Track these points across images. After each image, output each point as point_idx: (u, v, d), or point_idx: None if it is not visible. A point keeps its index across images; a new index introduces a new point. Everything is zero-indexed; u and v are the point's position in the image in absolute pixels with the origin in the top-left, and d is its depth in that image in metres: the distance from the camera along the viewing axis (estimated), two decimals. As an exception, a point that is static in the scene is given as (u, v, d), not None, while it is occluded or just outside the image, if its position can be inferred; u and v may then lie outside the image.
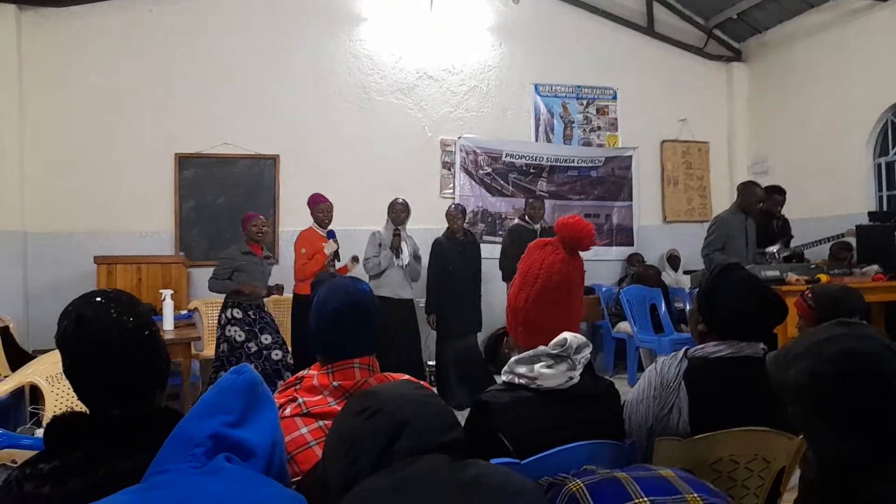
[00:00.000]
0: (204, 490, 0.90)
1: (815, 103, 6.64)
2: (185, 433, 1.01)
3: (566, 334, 1.52)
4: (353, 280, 1.54)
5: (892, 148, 6.13)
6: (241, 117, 6.14)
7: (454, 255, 5.20)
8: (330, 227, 4.93)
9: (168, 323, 4.38)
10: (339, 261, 4.90)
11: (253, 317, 4.53)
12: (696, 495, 1.14)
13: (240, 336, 4.44)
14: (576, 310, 1.66)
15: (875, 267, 4.21)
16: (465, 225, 5.52)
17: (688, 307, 5.92)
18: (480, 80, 6.85)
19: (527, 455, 1.39)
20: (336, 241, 4.83)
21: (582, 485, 1.19)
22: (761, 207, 4.98)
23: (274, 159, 6.20)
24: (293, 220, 5.88)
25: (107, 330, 1.13)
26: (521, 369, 1.52)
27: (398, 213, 5.08)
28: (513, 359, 1.56)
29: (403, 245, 5.06)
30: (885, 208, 5.91)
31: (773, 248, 5.09)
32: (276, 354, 4.51)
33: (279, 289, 4.68)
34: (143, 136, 5.92)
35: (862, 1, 6.00)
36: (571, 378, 1.51)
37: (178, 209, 5.97)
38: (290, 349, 4.66)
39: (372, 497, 0.98)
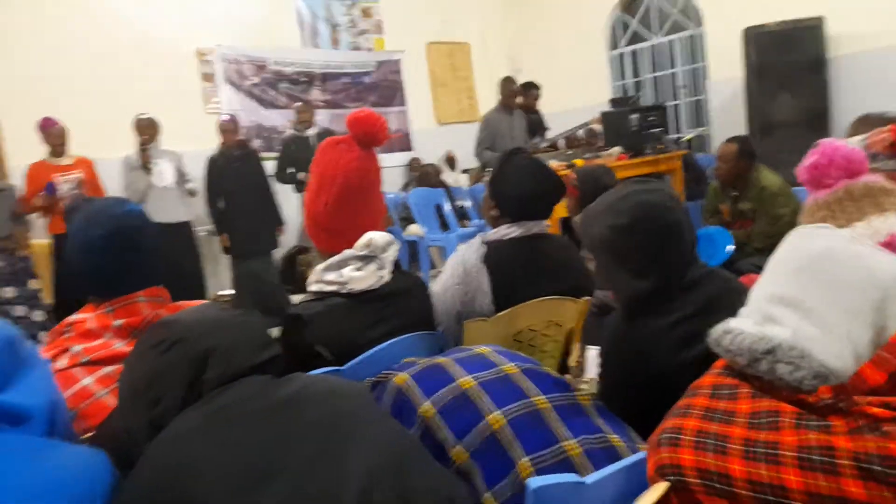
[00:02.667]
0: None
1: (560, 4, 7.17)
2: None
3: (371, 234, 1.49)
4: (116, 200, 1.30)
5: (621, 42, 6.94)
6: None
7: (230, 172, 4.81)
8: (76, 175, 4.26)
9: None
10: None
11: None
12: (511, 364, 1.22)
13: None
14: (377, 208, 1.63)
15: (618, 148, 4.79)
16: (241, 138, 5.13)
17: (469, 204, 6.28)
18: (235, -22, 6.17)
19: (347, 360, 1.37)
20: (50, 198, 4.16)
21: (406, 377, 1.20)
22: (520, 103, 5.34)
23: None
24: (23, 152, 4.88)
25: None
26: (330, 276, 1.47)
27: (142, 129, 4.54)
28: (319, 266, 1.49)
29: (159, 162, 4.55)
30: (620, 96, 6.72)
31: (533, 141, 5.55)
32: (20, 311, 3.90)
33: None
34: None
35: None
36: (381, 277, 1.50)
37: None
38: (42, 303, 4.06)
39: (187, 434, 0.88)
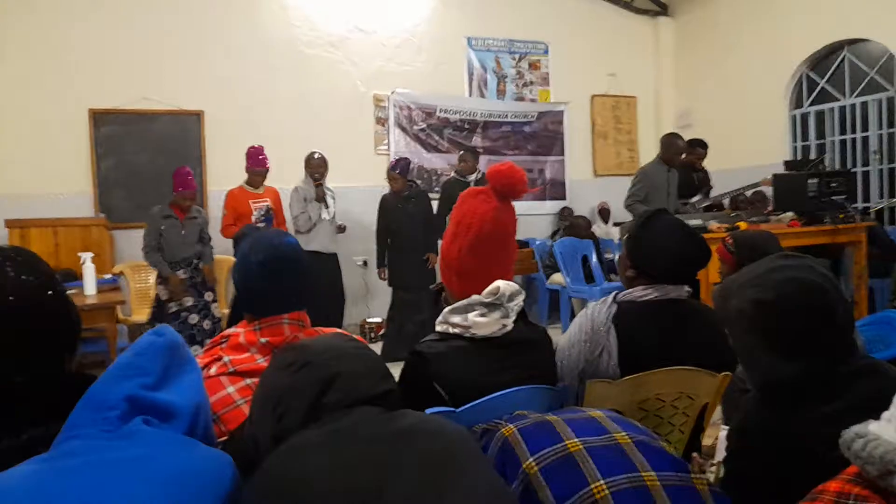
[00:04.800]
0: (116, 455, 0.85)
1: (736, 57, 6.84)
2: (97, 397, 0.94)
3: (499, 282, 1.52)
4: (278, 232, 1.47)
5: (806, 101, 6.42)
6: (160, 70, 5.76)
7: (396, 212, 5.14)
8: (265, 203, 4.88)
9: (90, 288, 4.15)
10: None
11: (182, 276, 4.42)
12: (623, 433, 1.17)
13: (163, 295, 4.40)
14: (509, 258, 1.66)
15: (790, 214, 4.42)
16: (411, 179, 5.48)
17: (617, 257, 6.09)
18: (413, 34, 6.68)
19: (462, 403, 1.39)
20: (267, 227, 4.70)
21: (514, 429, 1.20)
22: (683, 160, 5.13)
23: (198, 115, 5.89)
24: (221, 179, 5.64)
25: (3, 289, 1.03)
26: (455, 318, 1.51)
27: (315, 167, 4.98)
28: (447, 308, 1.55)
29: (328, 198, 4.99)
30: (799, 158, 6.21)
31: (695, 199, 5.28)
32: (192, 318, 4.44)
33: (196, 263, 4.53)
34: (54, 91, 5.46)
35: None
36: (505, 325, 1.51)
37: (96, 169, 5.61)
38: (214, 312, 4.58)
39: (304, 450, 0.96)
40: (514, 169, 1.59)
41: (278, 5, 6.17)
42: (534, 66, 7.27)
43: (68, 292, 1.16)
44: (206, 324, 4.50)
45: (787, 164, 5.22)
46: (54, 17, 5.47)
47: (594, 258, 5.90)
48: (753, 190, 5.36)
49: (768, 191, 5.00)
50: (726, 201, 5.44)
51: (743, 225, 4.28)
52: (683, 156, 5.10)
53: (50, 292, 1.08)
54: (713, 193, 5.51)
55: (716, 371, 1.73)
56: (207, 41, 5.89)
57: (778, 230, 3.92)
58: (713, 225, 4.30)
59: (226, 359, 1.29)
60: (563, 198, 7.32)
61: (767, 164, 5.84)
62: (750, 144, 6.57)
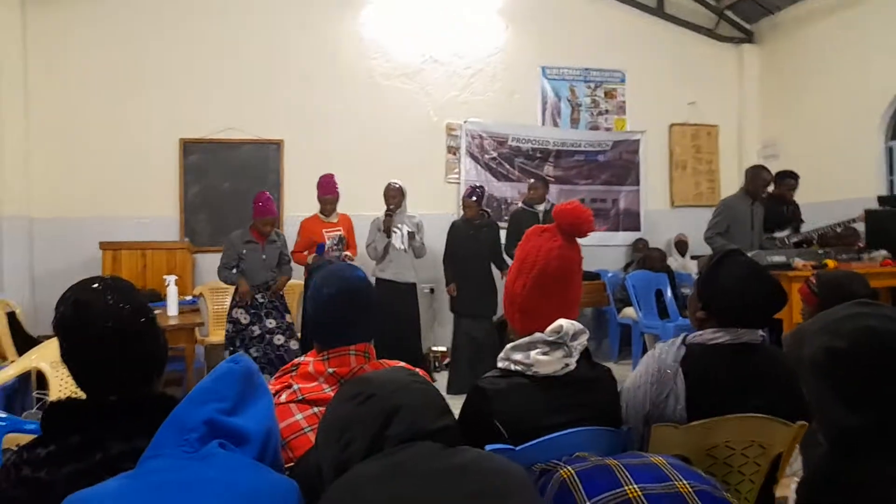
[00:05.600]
0: (195, 475, 0.92)
1: (826, 86, 6.54)
2: (179, 419, 1.02)
3: (562, 321, 1.52)
4: (348, 266, 1.54)
5: (903, 132, 6.06)
6: (245, 102, 6.13)
7: (464, 239, 5.20)
8: (338, 232, 4.99)
9: (172, 309, 4.40)
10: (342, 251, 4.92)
11: (261, 300, 4.56)
12: (685, 482, 1.14)
13: (244, 318, 4.52)
14: (573, 297, 1.66)
15: (883, 252, 4.16)
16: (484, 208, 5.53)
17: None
18: (487, 64, 6.80)
19: (522, 441, 1.40)
20: (319, 257, 4.79)
21: (573, 472, 1.19)
22: (773, 192, 4.92)
23: (278, 144, 6.20)
24: (298, 204, 5.90)
25: (103, 316, 1.14)
26: (518, 356, 1.52)
27: (390, 196, 5.10)
28: (509, 345, 1.56)
29: (400, 227, 5.08)
30: (895, 193, 5.84)
31: (783, 234, 5.05)
32: (278, 339, 4.55)
33: (274, 285, 4.65)
34: (147, 122, 5.93)
35: (875, -19, 5.88)
36: (567, 365, 1.51)
37: (184, 194, 5.99)
38: (297, 333, 4.69)
39: (363, 482, 0.99)
40: (580, 208, 1.60)
41: (356, 38, 6.44)
42: (609, 94, 7.22)
43: (154, 313, 1.26)
44: (293, 344, 4.60)
45: (880, 199, 4.93)
46: (149, 53, 5.95)
47: (669, 293, 5.73)
48: (845, 226, 5.08)
49: (861, 226, 4.72)
50: (814, 238, 5.18)
51: (831, 263, 4.07)
52: (770, 188, 4.91)
53: (143, 319, 1.18)
54: (805, 228, 5.25)
55: (791, 420, 1.66)
56: (288, 73, 6.23)
57: (869, 269, 3.71)
58: (798, 262, 4.12)
59: (295, 387, 1.36)
60: (638, 229, 7.16)
61: (859, 197, 5.53)
62: (840, 177, 6.23)
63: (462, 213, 5.40)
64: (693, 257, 6.76)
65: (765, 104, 7.41)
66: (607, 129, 7.18)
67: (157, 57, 5.95)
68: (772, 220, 4.93)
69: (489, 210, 5.88)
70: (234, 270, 4.57)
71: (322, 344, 1.44)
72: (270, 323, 4.56)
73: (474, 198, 5.24)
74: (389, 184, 5.20)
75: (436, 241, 5.53)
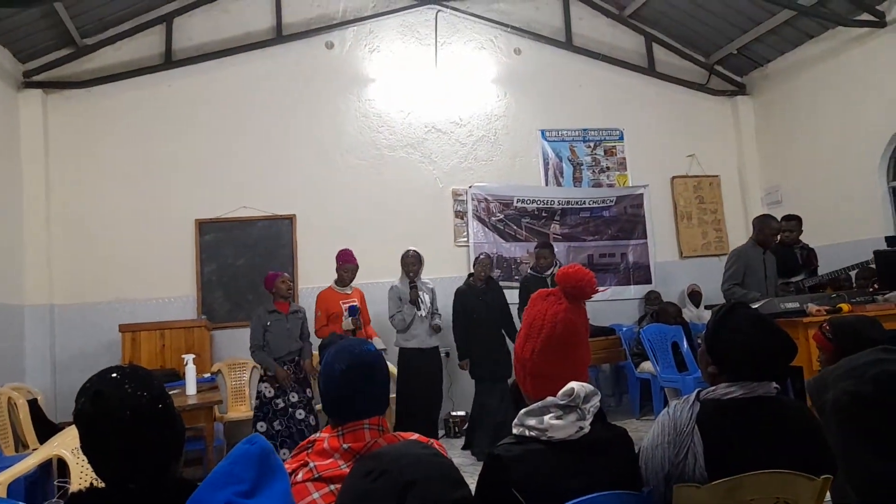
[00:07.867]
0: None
1: (823, 131, 6.66)
2: (198, 504, 1.03)
3: (573, 384, 1.53)
4: (359, 341, 1.57)
5: (905, 171, 6.11)
6: (257, 180, 6.32)
7: (476, 304, 5.23)
8: (353, 303, 5.00)
9: (191, 388, 4.41)
10: (359, 329, 4.93)
11: (287, 371, 4.62)
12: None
13: (269, 392, 4.59)
14: (582, 359, 1.67)
15: (898, 294, 4.13)
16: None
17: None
18: (488, 130, 7.00)
19: (541, 508, 1.39)
20: (356, 320, 4.86)
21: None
22: (779, 238, 4.93)
23: (290, 219, 6.35)
24: (312, 277, 5.99)
25: (122, 405, 1.17)
26: (531, 421, 1.53)
27: (410, 264, 5.16)
28: (522, 411, 1.57)
29: (422, 295, 5.11)
30: (902, 232, 5.84)
31: (798, 278, 5.02)
32: (300, 414, 4.56)
33: (302, 362, 4.72)
34: (163, 205, 6.11)
35: (860, 28, 6.07)
36: (582, 428, 1.51)
37: (200, 273, 6.10)
38: (316, 407, 4.70)
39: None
40: (581, 271, 1.63)
41: (361, 114, 6.69)
42: (609, 152, 7.37)
43: (171, 392, 1.29)
44: (312, 419, 4.63)
45: (888, 239, 4.92)
46: (163, 140, 6.20)
47: (685, 345, 5.67)
48: (859, 268, 5.05)
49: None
50: (826, 282, 5.14)
51: (845, 307, 4.04)
52: (778, 237, 4.92)
53: (160, 405, 1.21)
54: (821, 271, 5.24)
55: (815, 474, 1.63)
56: (297, 150, 6.45)
57: (884, 312, 3.68)
58: (812, 308, 4.09)
59: (311, 464, 1.37)
60: (649, 281, 7.16)
61: (867, 238, 5.53)
62: (845, 219, 6.26)
63: (472, 272, 5.42)
64: (707, 307, 6.72)
65: (763, 152, 7.53)
66: (610, 186, 7.30)
67: (171, 143, 6.20)
68: (786, 266, 4.91)
69: (491, 275, 5.95)
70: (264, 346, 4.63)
71: (336, 419, 1.46)
72: (293, 397, 4.59)
73: (488, 260, 5.37)
74: (408, 251, 5.27)
75: (449, 304, 5.56)
